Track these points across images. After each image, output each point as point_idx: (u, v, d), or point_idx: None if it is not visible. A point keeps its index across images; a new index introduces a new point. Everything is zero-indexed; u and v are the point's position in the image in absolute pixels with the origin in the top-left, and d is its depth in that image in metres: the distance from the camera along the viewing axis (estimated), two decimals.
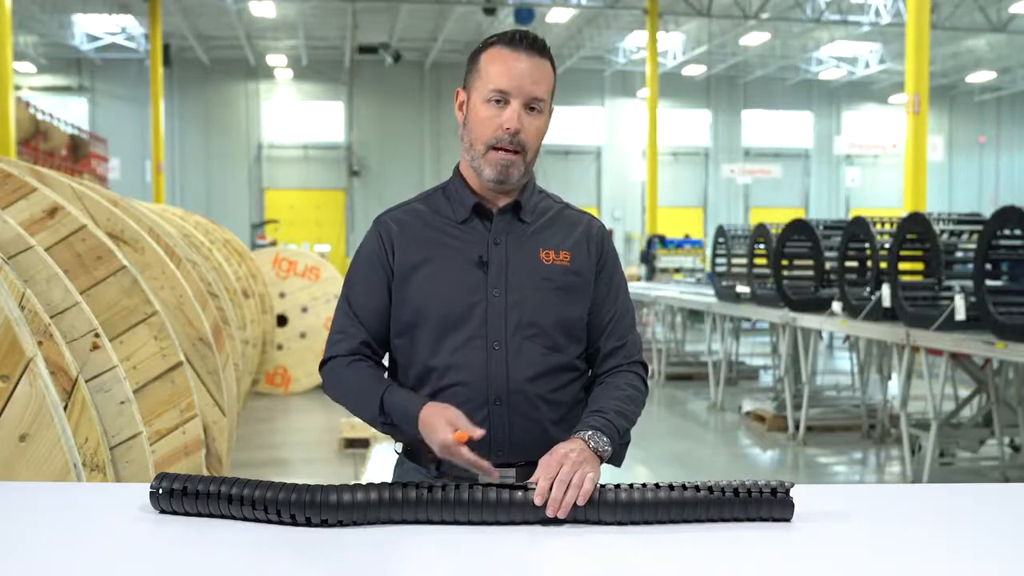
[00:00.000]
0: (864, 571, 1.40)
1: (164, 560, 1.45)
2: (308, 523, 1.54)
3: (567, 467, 1.60)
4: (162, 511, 1.59)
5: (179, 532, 1.54)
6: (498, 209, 1.85)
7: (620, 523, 1.58)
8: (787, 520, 1.59)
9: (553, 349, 1.83)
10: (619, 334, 1.91)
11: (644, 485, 1.60)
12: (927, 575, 1.40)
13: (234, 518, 1.57)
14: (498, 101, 1.77)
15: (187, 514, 1.59)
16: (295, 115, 27.09)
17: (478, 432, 1.63)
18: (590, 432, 1.71)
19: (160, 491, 1.59)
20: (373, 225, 1.92)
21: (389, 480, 1.76)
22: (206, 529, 1.54)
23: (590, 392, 1.89)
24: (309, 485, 1.58)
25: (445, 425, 1.64)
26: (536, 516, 1.57)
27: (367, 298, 1.87)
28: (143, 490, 1.65)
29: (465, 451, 1.62)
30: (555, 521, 1.57)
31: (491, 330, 1.79)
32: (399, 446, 1.92)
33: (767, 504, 1.58)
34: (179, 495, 1.58)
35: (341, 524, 1.55)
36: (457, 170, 1.91)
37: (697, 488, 1.58)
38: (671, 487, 1.59)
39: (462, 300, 1.80)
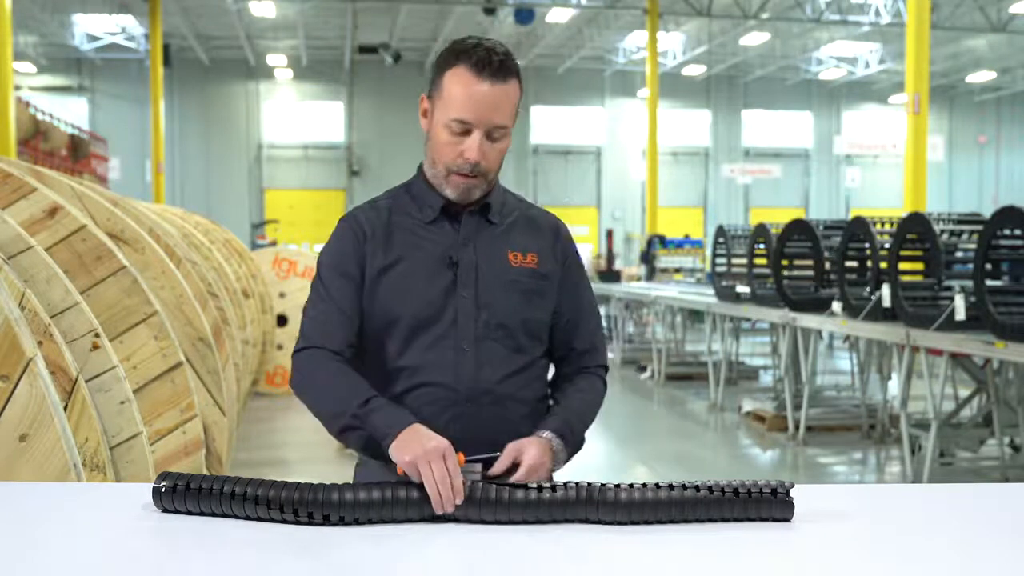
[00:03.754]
0: (864, 571, 1.40)
1: (168, 558, 1.45)
2: (311, 520, 1.54)
3: (523, 470, 1.69)
4: (165, 510, 1.60)
5: (182, 530, 1.54)
6: (467, 211, 1.85)
7: (620, 523, 1.58)
8: (787, 520, 1.59)
9: (518, 350, 1.84)
10: (584, 336, 1.94)
11: (644, 485, 1.60)
12: (927, 575, 1.40)
13: (236, 517, 1.57)
14: (459, 129, 1.76)
15: (190, 513, 1.59)
16: (295, 115, 27.09)
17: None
18: (551, 434, 1.78)
19: (163, 489, 1.59)
20: (343, 222, 1.89)
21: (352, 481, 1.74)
22: (209, 528, 1.54)
23: (554, 387, 1.94)
24: (313, 483, 1.59)
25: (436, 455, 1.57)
26: (535, 516, 1.57)
27: (345, 291, 1.84)
28: (145, 490, 1.65)
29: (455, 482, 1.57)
30: (555, 520, 1.57)
31: (460, 331, 1.80)
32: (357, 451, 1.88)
33: (767, 504, 1.58)
34: (182, 493, 1.58)
35: (343, 522, 1.55)
36: (421, 170, 1.90)
37: (697, 488, 1.58)
38: (671, 487, 1.59)
39: (432, 301, 1.80)
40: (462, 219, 1.85)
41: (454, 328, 1.79)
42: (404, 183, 1.94)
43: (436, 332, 1.79)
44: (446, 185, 1.81)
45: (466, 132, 1.75)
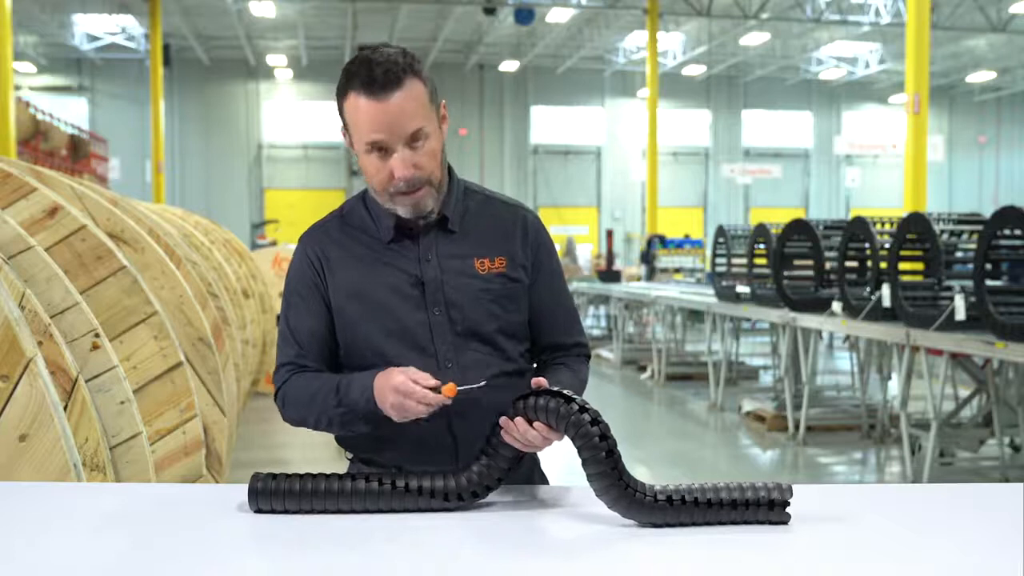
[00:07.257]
0: (864, 572, 1.40)
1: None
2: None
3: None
4: (259, 510, 1.61)
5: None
6: (423, 226, 1.81)
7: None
8: (784, 523, 1.58)
9: (501, 356, 1.82)
10: (568, 330, 1.92)
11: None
12: (927, 575, 1.40)
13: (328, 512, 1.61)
14: (379, 151, 1.73)
15: (286, 512, 1.60)
16: (295, 115, 27.09)
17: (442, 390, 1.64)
18: None
19: (260, 488, 1.59)
20: (300, 244, 1.87)
21: None
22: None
23: (539, 371, 1.88)
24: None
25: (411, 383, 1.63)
26: None
27: (308, 321, 1.83)
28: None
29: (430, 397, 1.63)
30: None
31: (439, 348, 1.78)
32: (350, 453, 1.89)
33: (764, 508, 1.57)
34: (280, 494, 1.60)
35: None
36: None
37: (696, 501, 1.56)
38: (669, 498, 1.58)
39: (405, 322, 1.78)
40: (419, 235, 1.81)
41: (433, 347, 1.78)
42: (358, 195, 1.90)
43: (415, 352, 1.77)
44: (395, 206, 1.77)
45: (386, 151, 1.72)
